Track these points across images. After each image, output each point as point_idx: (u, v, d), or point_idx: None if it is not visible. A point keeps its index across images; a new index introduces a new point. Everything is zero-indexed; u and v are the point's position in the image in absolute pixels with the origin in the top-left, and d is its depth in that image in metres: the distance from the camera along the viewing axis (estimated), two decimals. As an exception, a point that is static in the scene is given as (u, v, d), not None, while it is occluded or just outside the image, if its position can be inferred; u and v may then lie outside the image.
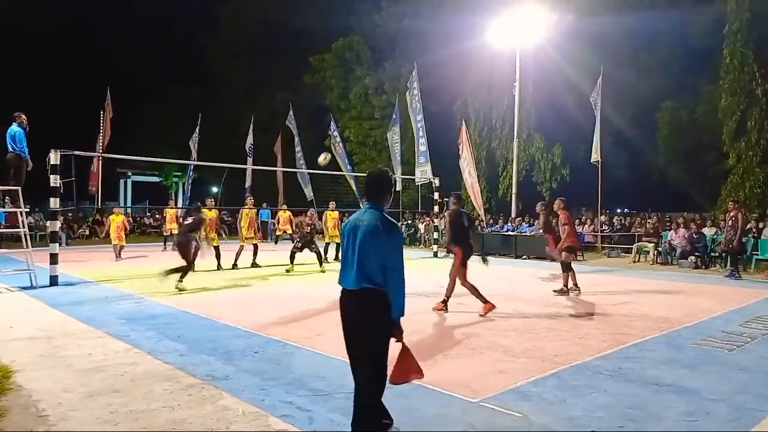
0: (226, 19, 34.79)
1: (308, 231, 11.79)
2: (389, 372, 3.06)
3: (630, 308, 7.49)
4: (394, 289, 2.96)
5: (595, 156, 17.34)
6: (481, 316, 6.81)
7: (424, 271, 12.31)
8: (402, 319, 3.00)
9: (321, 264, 12.03)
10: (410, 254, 16.76)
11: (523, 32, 17.63)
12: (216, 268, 11.84)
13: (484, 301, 6.91)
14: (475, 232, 7.54)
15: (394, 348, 3.04)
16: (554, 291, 8.82)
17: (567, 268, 8.74)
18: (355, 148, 27.21)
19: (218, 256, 12.06)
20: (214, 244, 11.98)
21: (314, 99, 29.39)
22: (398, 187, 21.93)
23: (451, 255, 8.18)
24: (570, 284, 8.74)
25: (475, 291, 6.99)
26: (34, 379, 4.20)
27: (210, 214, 11.85)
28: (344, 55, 27.78)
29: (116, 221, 14.51)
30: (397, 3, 26.41)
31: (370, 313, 2.98)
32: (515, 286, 9.88)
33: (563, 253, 8.73)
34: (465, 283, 7.07)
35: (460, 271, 7.08)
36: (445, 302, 7.15)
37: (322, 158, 12.14)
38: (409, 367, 3.13)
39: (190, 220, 9.57)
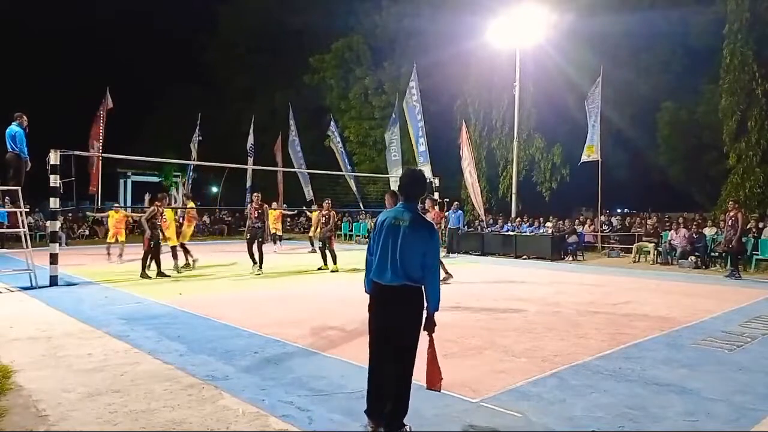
0: (226, 19, 34.73)
1: (328, 229, 11.83)
2: (424, 377, 3.34)
3: (630, 308, 7.49)
4: (432, 285, 3.16)
5: (587, 156, 17.31)
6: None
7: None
8: None
9: (335, 263, 11.80)
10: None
11: (523, 32, 17.62)
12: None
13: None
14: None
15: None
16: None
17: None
18: (355, 148, 27.19)
19: (175, 256, 11.49)
20: (171, 244, 11.57)
21: (314, 99, 29.37)
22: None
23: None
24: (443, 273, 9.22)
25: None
26: (34, 379, 4.19)
27: (169, 214, 11.68)
28: (344, 55, 27.75)
29: (115, 217, 14.12)
30: (397, 3, 26.37)
31: (411, 309, 3.15)
32: (515, 286, 9.88)
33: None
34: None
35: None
36: None
37: None
38: (438, 371, 3.36)
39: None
